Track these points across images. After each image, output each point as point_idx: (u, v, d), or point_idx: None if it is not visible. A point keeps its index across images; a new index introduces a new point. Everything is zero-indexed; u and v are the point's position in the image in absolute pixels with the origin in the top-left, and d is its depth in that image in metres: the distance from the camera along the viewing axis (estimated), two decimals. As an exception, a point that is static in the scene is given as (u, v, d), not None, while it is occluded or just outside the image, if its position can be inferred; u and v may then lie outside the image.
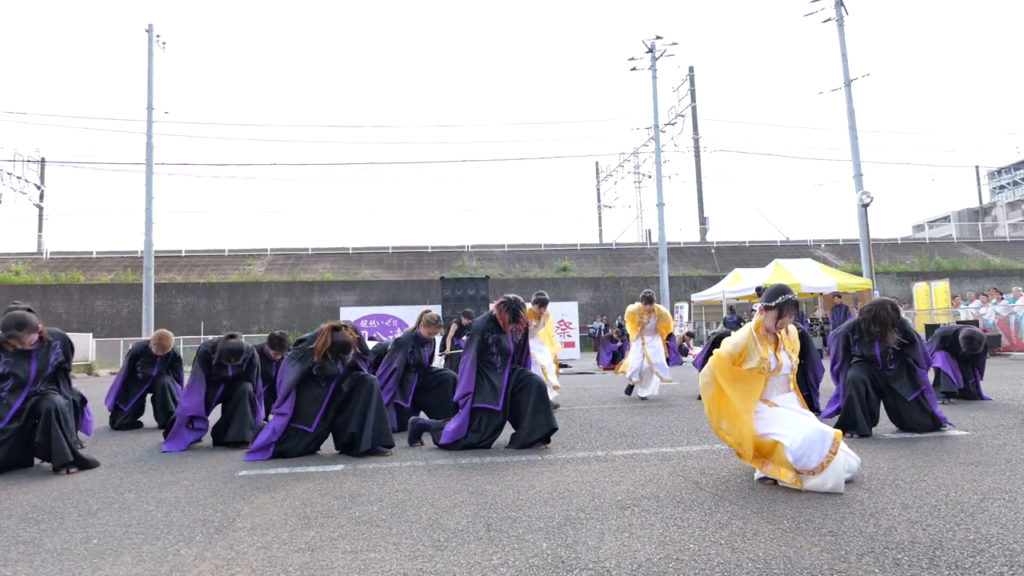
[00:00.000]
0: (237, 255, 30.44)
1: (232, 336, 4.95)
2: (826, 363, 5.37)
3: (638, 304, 7.71)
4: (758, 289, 3.36)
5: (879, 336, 4.53)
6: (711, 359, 3.42)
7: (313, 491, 3.29)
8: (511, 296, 4.62)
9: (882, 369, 4.66)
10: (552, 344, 7.17)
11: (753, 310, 3.49)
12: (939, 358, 6.23)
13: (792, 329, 3.45)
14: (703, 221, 33.13)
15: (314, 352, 4.22)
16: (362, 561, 2.24)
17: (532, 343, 6.23)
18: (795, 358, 3.40)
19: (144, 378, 6.24)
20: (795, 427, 3.13)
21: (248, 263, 29.43)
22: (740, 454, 3.33)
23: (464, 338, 11.21)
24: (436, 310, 5.29)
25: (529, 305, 6.23)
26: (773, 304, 3.31)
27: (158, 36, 21.62)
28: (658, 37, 24.21)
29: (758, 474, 3.24)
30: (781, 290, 3.33)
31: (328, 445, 4.48)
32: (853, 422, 4.45)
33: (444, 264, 29.69)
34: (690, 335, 18.93)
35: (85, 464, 4.03)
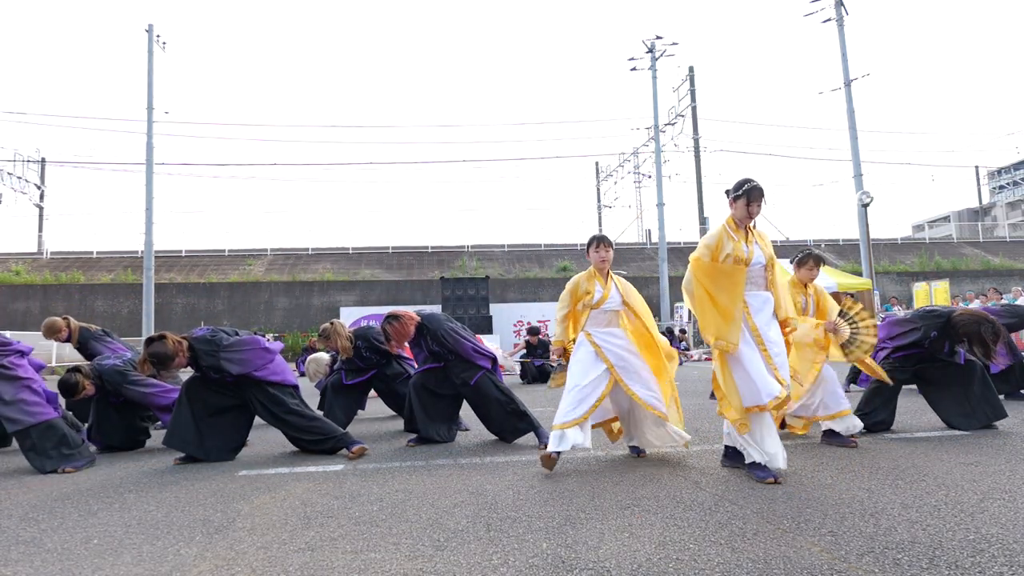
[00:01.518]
0: (237, 255, 30.44)
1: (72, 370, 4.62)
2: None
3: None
4: (727, 191, 3.49)
5: (982, 355, 4.39)
6: (690, 263, 3.44)
7: (313, 491, 3.29)
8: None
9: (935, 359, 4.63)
10: (651, 348, 3.90)
11: None
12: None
13: (765, 232, 3.54)
14: (703, 221, 33.07)
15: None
16: (362, 561, 2.24)
17: (612, 347, 3.77)
18: (768, 251, 3.48)
19: None
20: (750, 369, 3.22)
21: (248, 263, 29.42)
22: (723, 345, 3.30)
23: (520, 351, 11.48)
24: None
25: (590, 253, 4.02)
26: (740, 192, 3.36)
27: (158, 36, 21.62)
28: (658, 37, 24.23)
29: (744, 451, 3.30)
30: (745, 179, 3.39)
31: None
32: (884, 422, 4.57)
33: (444, 264, 29.69)
34: (683, 332, 18.95)
35: None
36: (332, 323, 5.35)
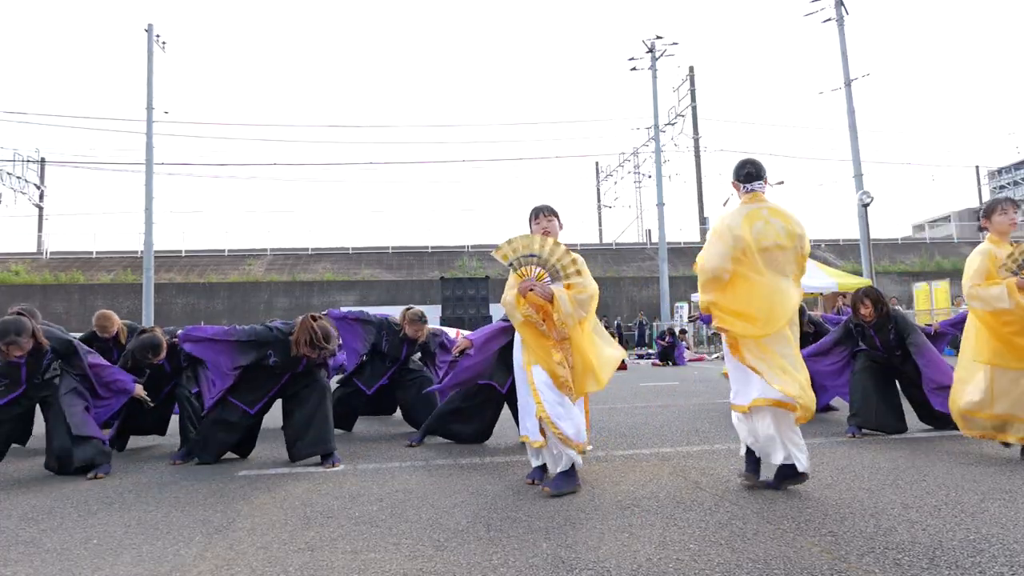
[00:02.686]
0: (237, 255, 30.43)
1: (145, 331, 4.59)
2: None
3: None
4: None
5: (856, 314, 4.53)
6: (715, 226, 3.19)
7: (313, 491, 3.29)
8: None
9: (887, 357, 4.60)
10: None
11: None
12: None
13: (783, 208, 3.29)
14: (703, 221, 33.05)
15: (289, 343, 3.97)
16: (362, 561, 2.24)
17: None
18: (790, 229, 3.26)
19: None
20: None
21: (248, 263, 29.43)
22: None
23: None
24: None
25: None
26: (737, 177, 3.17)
27: (158, 36, 21.62)
28: (658, 37, 24.26)
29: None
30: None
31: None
32: (869, 419, 4.45)
33: (444, 264, 29.69)
34: (683, 332, 18.96)
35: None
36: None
